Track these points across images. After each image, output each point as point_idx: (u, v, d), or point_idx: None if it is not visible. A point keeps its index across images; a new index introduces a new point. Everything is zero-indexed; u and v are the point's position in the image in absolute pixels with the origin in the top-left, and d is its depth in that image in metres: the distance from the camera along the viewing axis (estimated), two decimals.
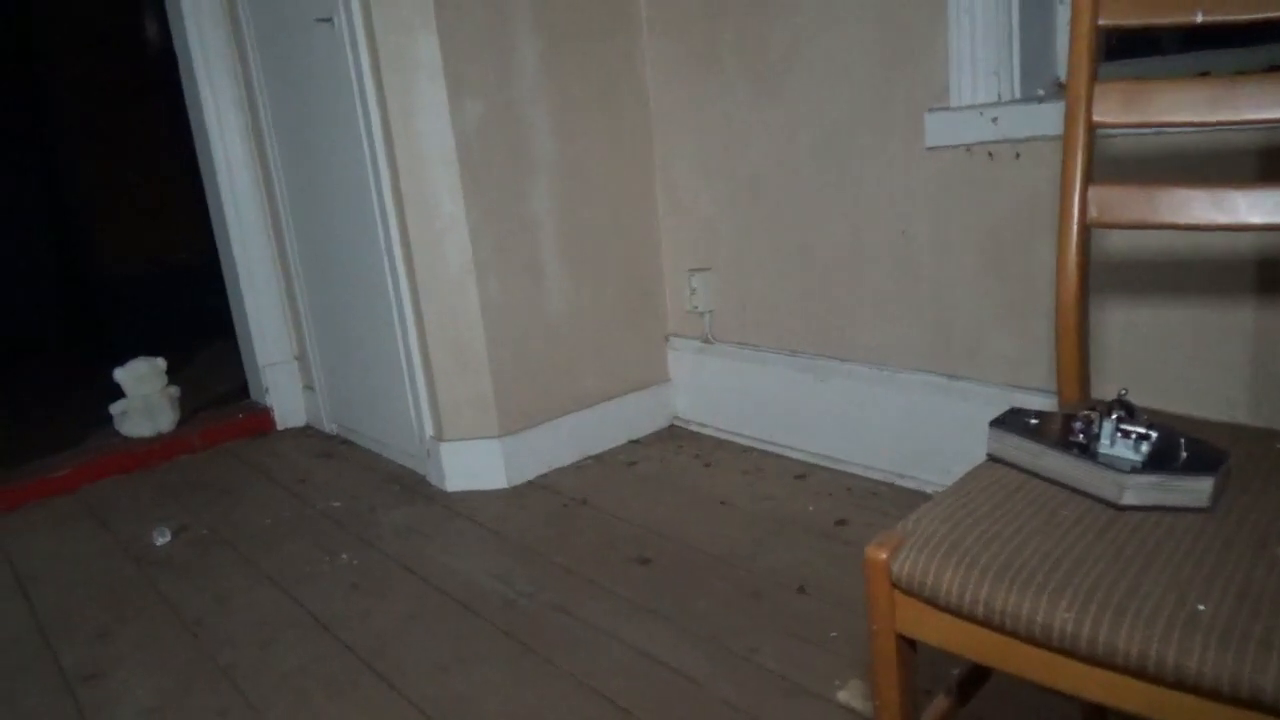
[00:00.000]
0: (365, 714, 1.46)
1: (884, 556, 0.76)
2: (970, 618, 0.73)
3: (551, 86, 2.22)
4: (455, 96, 2.07)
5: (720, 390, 2.41)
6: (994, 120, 1.71)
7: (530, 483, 2.28)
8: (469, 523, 2.10)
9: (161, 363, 2.82)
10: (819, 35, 1.99)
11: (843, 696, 1.37)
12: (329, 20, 2.14)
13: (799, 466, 2.21)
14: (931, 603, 0.75)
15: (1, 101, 4.37)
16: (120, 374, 2.75)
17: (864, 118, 1.95)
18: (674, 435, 2.50)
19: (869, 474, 2.10)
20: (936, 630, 0.76)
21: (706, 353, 2.42)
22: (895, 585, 0.77)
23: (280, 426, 2.91)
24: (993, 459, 0.90)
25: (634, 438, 2.48)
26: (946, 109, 1.79)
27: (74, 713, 1.54)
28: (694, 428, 2.51)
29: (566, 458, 2.35)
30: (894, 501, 1.98)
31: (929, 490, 1.99)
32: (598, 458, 2.39)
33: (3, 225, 4.43)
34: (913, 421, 1.99)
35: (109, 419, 2.80)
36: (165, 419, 2.78)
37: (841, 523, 1.91)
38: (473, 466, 2.25)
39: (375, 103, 2.10)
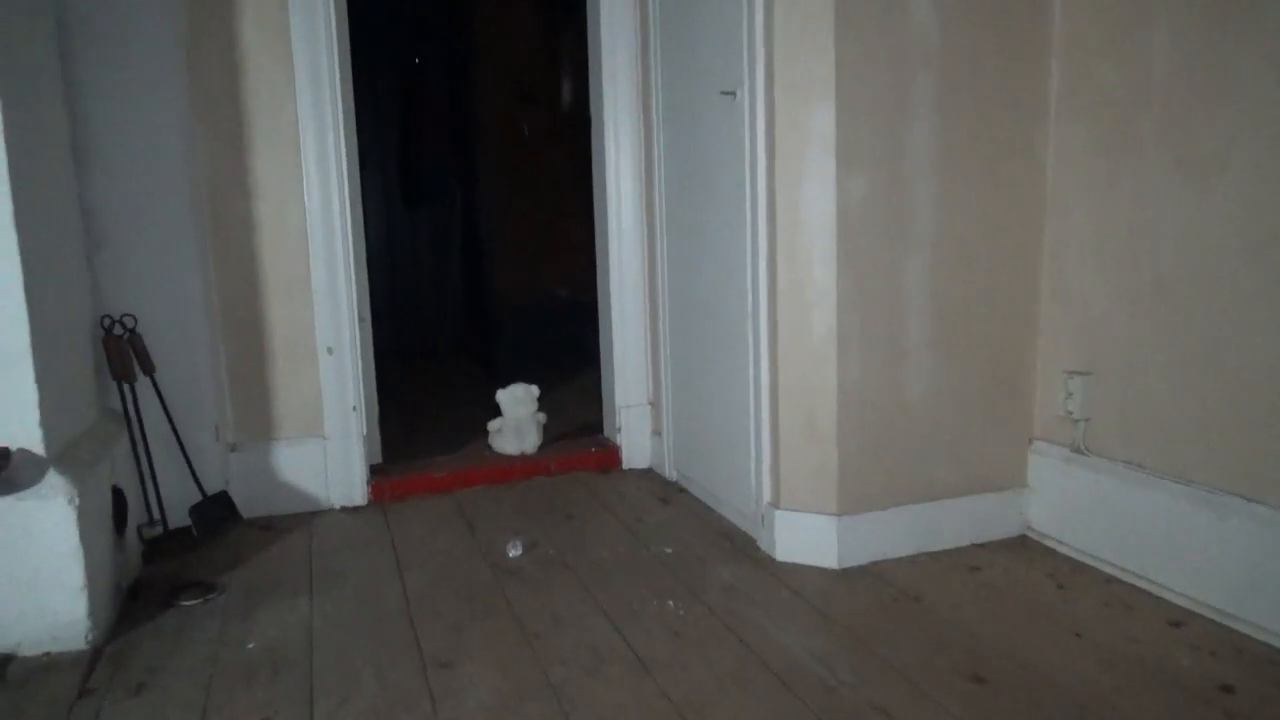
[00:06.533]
0: None
1: None
2: None
3: (942, 163, 2.16)
4: (843, 167, 2.08)
5: (1087, 508, 2.17)
6: None
7: (861, 567, 2.20)
8: (795, 596, 2.07)
9: (536, 390, 3.09)
10: (1264, 126, 1.75)
11: None
12: (732, 93, 2.25)
13: (1176, 611, 1.92)
14: None
15: (443, 144, 5.11)
16: (501, 395, 3.06)
17: None
18: (1025, 547, 2.29)
19: (1267, 638, 1.78)
20: None
21: (1076, 463, 2.20)
22: None
23: (625, 465, 3.06)
24: None
25: (979, 541, 2.30)
26: None
27: (426, 696, 1.71)
28: (1049, 543, 2.28)
29: (903, 549, 2.24)
30: None
31: None
32: (936, 555, 2.25)
33: (427, 250, 5.17)
34: None
35: (484, 433, 3.12)
36: (530, 441, 3.05)
37: (1226, 689, 1.63)
38: (805, 539, 2.21)
39: (764, 171, 2.17)
